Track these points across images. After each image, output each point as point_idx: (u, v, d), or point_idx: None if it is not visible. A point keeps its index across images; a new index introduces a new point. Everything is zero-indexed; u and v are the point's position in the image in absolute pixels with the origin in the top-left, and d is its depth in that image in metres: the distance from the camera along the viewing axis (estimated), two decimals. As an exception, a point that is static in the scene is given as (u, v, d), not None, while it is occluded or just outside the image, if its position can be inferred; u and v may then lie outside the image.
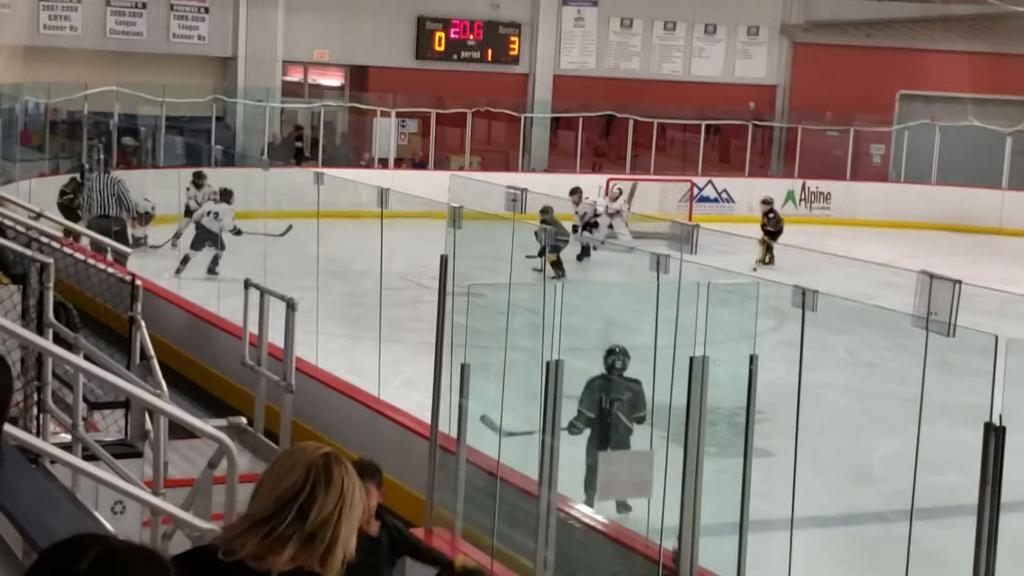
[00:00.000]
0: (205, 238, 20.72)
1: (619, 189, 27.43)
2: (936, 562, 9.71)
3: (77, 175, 21.98)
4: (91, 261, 9.62)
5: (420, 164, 31.49)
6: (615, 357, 10.81)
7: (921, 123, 33.58)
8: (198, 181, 22.79)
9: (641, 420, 10.52)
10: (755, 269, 22.69)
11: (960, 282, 6.10)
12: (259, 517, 3.12)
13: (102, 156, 23.57)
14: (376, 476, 6.54)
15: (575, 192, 25.27)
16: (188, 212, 22.54)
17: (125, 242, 19.25)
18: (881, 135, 34.57)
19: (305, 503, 3.10)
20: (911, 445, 7.05)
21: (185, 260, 20.54)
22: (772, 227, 25.15)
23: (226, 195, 21.16)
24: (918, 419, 6.89)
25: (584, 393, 10.70)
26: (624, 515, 10.05)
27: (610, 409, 10.67)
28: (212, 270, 20.41)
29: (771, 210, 25.60)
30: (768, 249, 24.23)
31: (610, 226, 25.74)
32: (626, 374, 10.71)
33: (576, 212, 24.86)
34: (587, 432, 10.71)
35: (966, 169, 32.07)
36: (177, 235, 22.24)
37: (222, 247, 20.37)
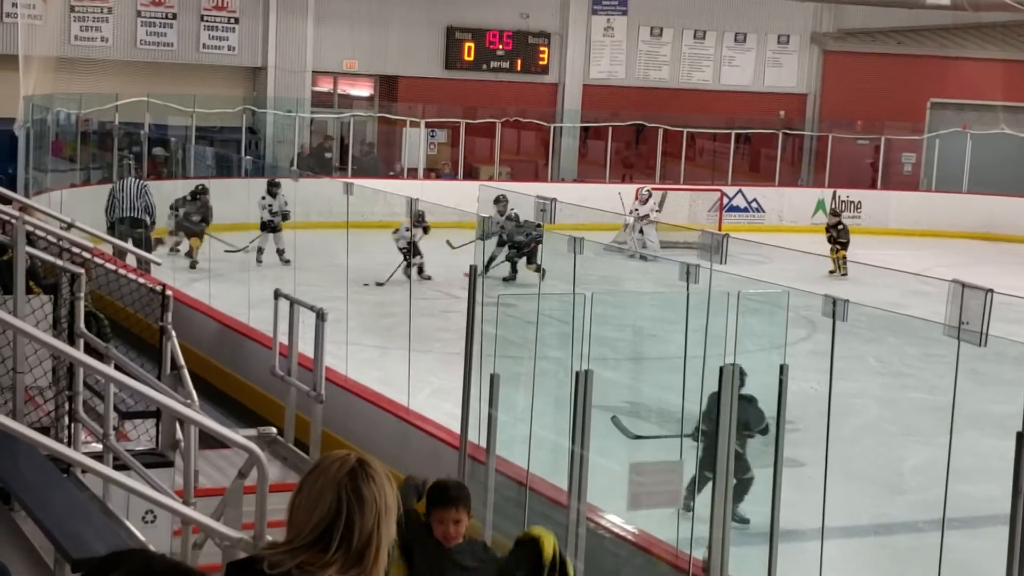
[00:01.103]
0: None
1: (648, 191, 27.24)
2: (968, 573, 9.66)
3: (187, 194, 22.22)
4: (122, 271, 9.67)
5: (448, 175, 31.52)
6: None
7: (952, 131, 33.44)
8: (272, 190, 22.52)
9: (760, 434, 10.46)
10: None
11: (992, 291, 6.07)
12: (299, 544, 3.15)
13: (131, 162, 23.73)
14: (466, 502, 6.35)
15: (499, 201, 22.25)
16: (264, 225, 22.50)
17: (150, 249, 19.47)
18: (912, 143, 34.43)
19: (346, 531, 3.13)
20: (942, 454, 7.02)
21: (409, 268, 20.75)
22: (844, 239, 24.84)
23: (420, 219, 20.74)
24: (950, 428, 6.86)
25: (706, 408, 10.69)
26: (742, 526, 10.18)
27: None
28: (410, 274, 20.66)
29: (839, 222, 25.24)
30: (843, 261, 24.08)
31: (640, 231, 25.63)
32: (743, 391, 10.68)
33: (498, 223, 21.77)
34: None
35: (998, 177, 31.92)
36: (260, 250, 22.42)
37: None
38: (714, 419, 10.58)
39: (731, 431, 7.52)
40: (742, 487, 10.65)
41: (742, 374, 10.54)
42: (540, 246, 19.56)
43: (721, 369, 7.48)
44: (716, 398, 10.69)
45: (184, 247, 22.14)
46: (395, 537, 3.26)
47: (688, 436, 10.48)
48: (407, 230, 20.82)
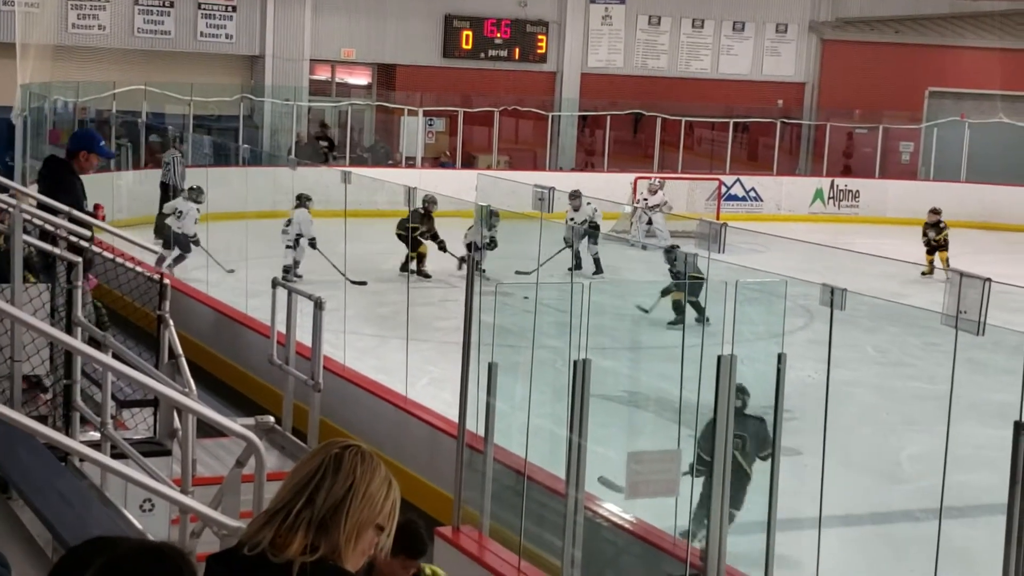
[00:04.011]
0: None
1: (659, 182, 27.16)
2: (965, 561, 9.67)
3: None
4: (120, 260, 9.66)
5: (447, 164, 31.51)
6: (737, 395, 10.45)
7: (950, 120, 33.41)
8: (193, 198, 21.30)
9: (766, 458, 10.11)
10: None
11: (990, 280, 6.06)
12: (275, 508, 3.16)
13: (176, 136, 25.38)
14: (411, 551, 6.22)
15: (575, 197, 22.89)
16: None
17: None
18: (910, 132, 34.42)
19: (314, 489, 3.14)
20: (940, 443, 7.03)
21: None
22: (945, 238, 24.05)
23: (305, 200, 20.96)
24: (947, 417, 6.85)
25: (705, 433, 10.36)
26: None
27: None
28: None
29: (939, 220, 24.29)
30: (946, 263, 23.05)
31: (649, 222, 25.60)
32: (747, 411, 10.15)
33: (571, 218, 22.65)
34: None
35: (996, 166, 31.90)
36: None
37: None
38: (737, 444, 10.29)
39: (728, 419, 7.51)
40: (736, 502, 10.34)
41: (744, 392, 10.24)
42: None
43: (719, 359, 7.47)
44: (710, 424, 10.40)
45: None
46: (380, 541, 3.23)
47: (685, 474, 10.15)
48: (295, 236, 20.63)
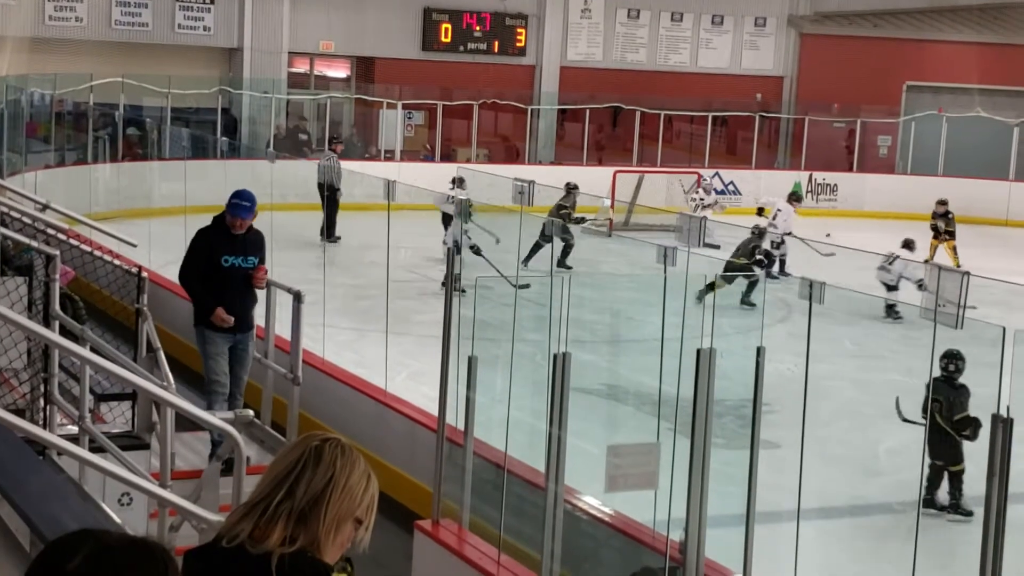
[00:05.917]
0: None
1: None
2: (943, 553, 9.71)
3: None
4: (97, 253, 9.63)
5: (428, 157, 31.46)
6: (947, 360, 10.83)
7: (928, 114, 33.52)
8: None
9: (960, 427, 10.55)
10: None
11: (968, 273, 6.09)
12: (255, 500, 3.15)
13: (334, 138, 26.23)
14: None
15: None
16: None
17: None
18: (888, 126, 34.52)
19: (294, 481, 3.13)
20: (918, 436, 7.06)
21: None
22: (952, 228, 24.32)
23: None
24: (927, 411, 6.88)
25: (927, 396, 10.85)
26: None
27: (932, 413, 10.69)
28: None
29: (947, 211, 24.52)
30: (952, 251, 23.52)
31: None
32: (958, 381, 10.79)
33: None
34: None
35: (973, 160, 32.01)
36: None
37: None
38: (935, 408, 10.66)
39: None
40: (957, 479, 10.75)
41: (957, 359, 10.59)
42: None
43: (698, 352, 7.48)
44: (931, 386, 10.77)
45: None
46: (357, 537, 3.23)
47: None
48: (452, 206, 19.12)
